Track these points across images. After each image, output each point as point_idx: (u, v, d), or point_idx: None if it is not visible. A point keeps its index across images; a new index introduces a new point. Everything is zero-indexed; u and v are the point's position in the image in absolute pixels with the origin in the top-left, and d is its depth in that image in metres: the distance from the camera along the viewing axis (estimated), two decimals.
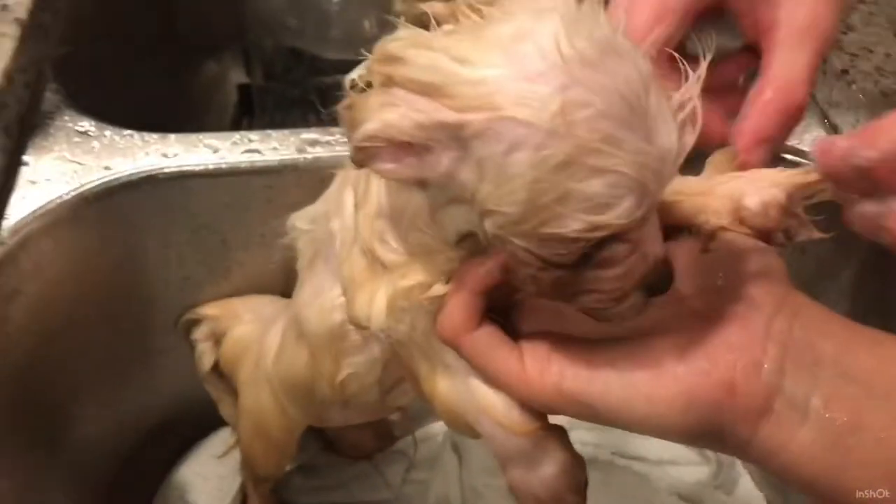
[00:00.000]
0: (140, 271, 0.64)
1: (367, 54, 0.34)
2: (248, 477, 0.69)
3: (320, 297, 0.47)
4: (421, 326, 0.39)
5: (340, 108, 0.34)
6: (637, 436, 0.75)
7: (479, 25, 0.32)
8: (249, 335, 0.64)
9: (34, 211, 0.56)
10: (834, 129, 0.64)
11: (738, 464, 0.77)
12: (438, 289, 0.37)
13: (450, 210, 0.35)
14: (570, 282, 0.33)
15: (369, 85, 0.33)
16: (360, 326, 0.40)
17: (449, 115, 0.30)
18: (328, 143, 0.62)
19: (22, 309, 0.56)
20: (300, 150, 0.62)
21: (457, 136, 0.31)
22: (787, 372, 0.33)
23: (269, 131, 0.62)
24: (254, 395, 0.61)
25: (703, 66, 0.33)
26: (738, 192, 0.39)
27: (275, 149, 0.61)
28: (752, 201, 0.38)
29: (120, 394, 0.69)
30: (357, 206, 0.41)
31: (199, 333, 0.68)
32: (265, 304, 0.66)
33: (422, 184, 0.34)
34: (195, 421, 0.73)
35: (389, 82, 0.32)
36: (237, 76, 1.06)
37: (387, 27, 0.36)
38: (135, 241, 0.63)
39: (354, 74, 0.34)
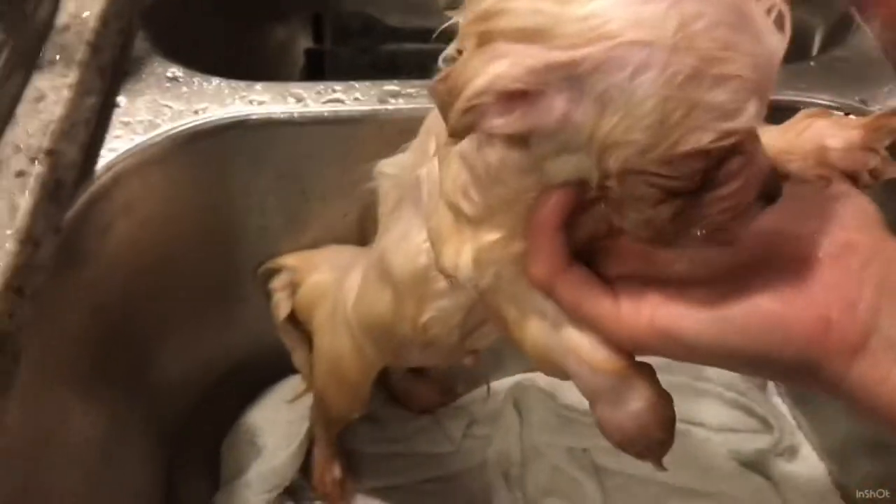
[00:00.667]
0: (223, 217, 0.66)
1: (452, 17, 0.34)
2: (319, 420, 0.71)
3: (406, 241, 0.48)
4: (507, 274, 0.39)
5: (434, 84, 0.33)
6: (699, 401, 0.77)
7: None
8: (326, 282, 0.65)
9: (127, 150, 0.58)
10: None
11: (799, 433, 0.77)
12: (521, 244, 0.38)
13: (557, 161, 0.35)
14: (688, 210, 0.33)
15: (460, 53, 0.33)
16: (448, 276, 0.41)
17: (563, 55, 0.30)
18: (409, 94, 0.63)
19: (113, 244, 0.59)
20: (382, 101, 0.63)
21: (571, 76, 0.31)
22: (883, 312, 0.33)
23: (353, 82, 0.63)
24: (330, 338, 0.62)
25: None
26: (821, 134, 0.39)
27: (357, 99, 0.63)
28: (835, 141, 0.39)
29: (198, 335, 0.71)
30: (441, 158, 0.41)
31: (277, 283, 0.69)
32: (342, 254, 0.67)
33: (523, 140, 0.34)
34: (266, 367, 0.75)
35: (489, 38, 0.31)
36: (305, 41, 1.08)
37: None
38: (219, 186, 0.64)
39: (449, 50, 0.34)
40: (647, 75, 0.30)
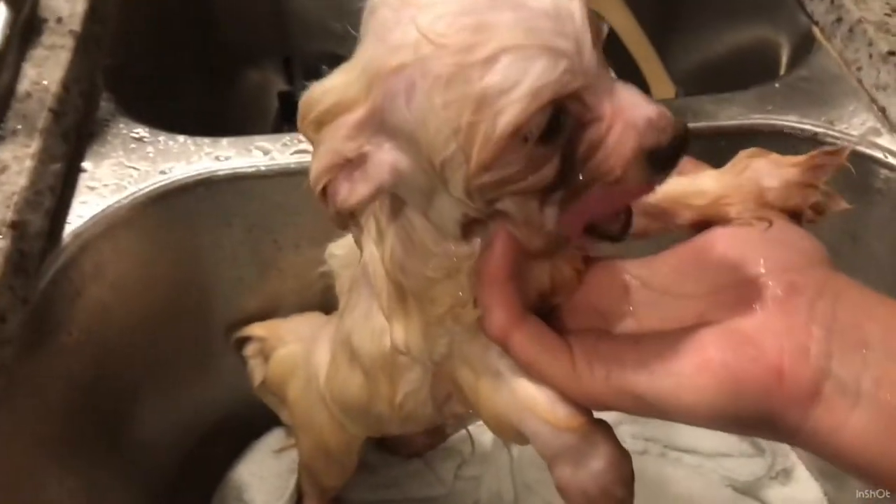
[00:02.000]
0: (195, 272, 0.66)
1: None
2: (309, 481, 0.70)
3: (370, 321, 0.47)
4: (459, 340, 0.39)
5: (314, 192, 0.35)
6: (688, 428, 0.76)
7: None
8: (294, 355, 0.65)
9: (94, 215, 0.58)
10: (882, 111, 0.63)
11: (793, 454, 0.76)
12: (470, 312, 0.37)
13: (434, 205, 0.35)
14: (573, 196, 0.33)
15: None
16: (402, 353, 0.41)
17: (357, 113, 0.32)
18: None
19: (84, 310, 0.58)
20: None
21: (375, 128, 0.32)
22: (835, 355, 0.32)
23: None
24: (309, 413, 0.61)
25: None
26: (758, 174, 0.39)
27: None
28: (772, 181, 0.38)
29: (177, 394, 0.70)
30: (377, 241, 0.40)
31: (249, 350, 0.70)
32: (306, 324, 0.67)
33: (397, 201, 0.35)
34: (250, 421, 0.74)
35: (316, 129, 0.33)
36: (278, 84, 1.08)
37: None
38: (190, 242, 0.64)
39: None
40: (417, 94, 0.30)
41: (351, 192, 0.33)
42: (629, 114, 0.31)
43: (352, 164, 0.33)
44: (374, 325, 0.46)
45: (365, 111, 0.32)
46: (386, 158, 0.33)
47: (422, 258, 0.37)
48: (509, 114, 0.29)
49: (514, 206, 0.34)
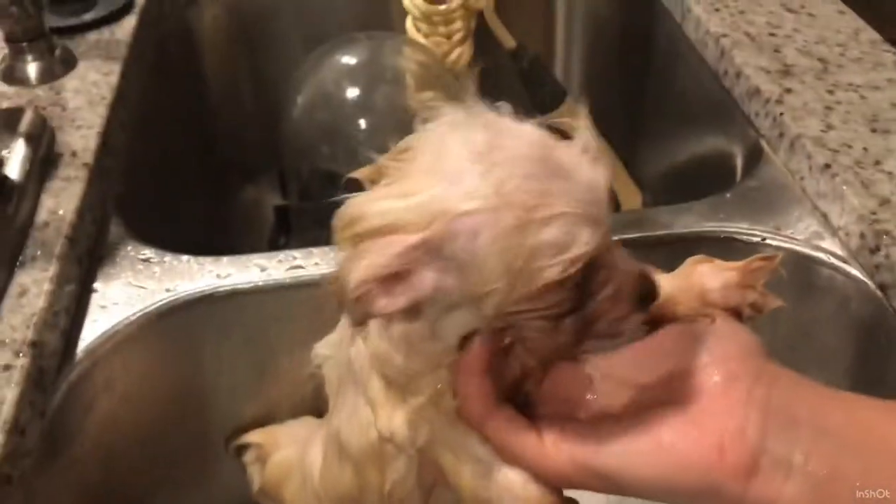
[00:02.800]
0: (196, 382, 0.70)
1: None
2: None
3: (356, 417, 0.51)
4: (440, 426, 0.44)
5: (328, 289, 0.39)
6: None
7: (404, 166, 0.40)
8: (289, 458, 0.68)
9: (104, 332, 0.63)
10: (824, 217, 0.69)
11: None
12: (449, 401, 0.43)
13: (448, 318, 0.40)
14: (581, 325, 0.39)
15: None
16: (387, 441, 0.45)
17: (415, 237, 0.37)
18: None
19: (95, 423, 0.62)
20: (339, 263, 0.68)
21: (429, 251, 0.37)
22: (770, 433, 0.38)
23: (311, 249, 0.69)
24: None
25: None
26: (702, 277, 0.45)
27: (316, 264, 0.68)
28: (714, 282, 0.45)
29: (182, 500, 0.74)
30: (363, 338, 0.45)
31: (248, 457, 0.73)
32: (301, 428, 0.70)
33: (416, 310, 0.40)
34: None
35: (359, 240, 0.38)
36: (273, 198, 1.15)
37: None
38: (191, 354, 0.69)
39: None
40: (483, 236, 0.36)
41: (392, 301, 0.37)
42: (625, 266, 0.40)
43: (396, 277, 0.37)
44: (360, 419, 0.50)
45: (423, 237, 0.36)
46: (430, 277, 0.37)
47: (407, 356, 0.42)
48: (556, 270, 0.36)
49: (530, 326, 0.40)
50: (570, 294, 0.38)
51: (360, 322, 0.40)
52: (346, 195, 0.40)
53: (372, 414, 0.46)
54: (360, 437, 0.51)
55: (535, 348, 0.41)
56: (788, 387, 0.40)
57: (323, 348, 0.55)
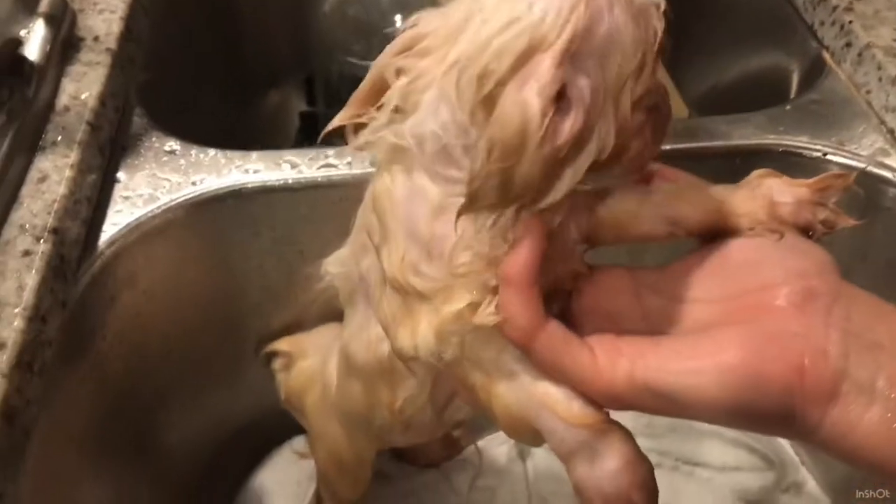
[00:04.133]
0: (223, 282, 0.68)
1: None
2: (330, 497, 0.71)
3: (366, 332, 0.48)
4: (471, 341, 0.39)
5: (471, 188, 0.35)
6: (700, 442, 0.78)
7: (447, 30, 0.37)
8: (312, 367, 0.65)
9: (128, 224, 0.60)
10: (891, 133, 0.65)
11: (804, 468, 0.77)
12: (483, 315, 0.38)
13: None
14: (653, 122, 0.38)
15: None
16: (407, 358, 0.41)
17: (560, 41, 0.33)
18: None
19: (118, 317, 0.60)
20: (372, 164, 0.64)
21: (576, 53, 0.34)
22: (851, 356, 0.34)
23: (344, 147, 0.65)
24: (323, 424, 0.63)
25: None
26: (771, 191, 0.41)
27: (349, 163, 0.65)
28: (784, 198, 0.40)
29: (203, 400, 0.72)
30: (378, 247, 0.41)
31: (277, 364, 0.71)
32: (327, 335, 0.67)
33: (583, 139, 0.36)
34: (272, 427, 0.76)
35: (498, 87, 0.34)
36: (299, 104, 1.11)
37: None
38: (219, 253, 0.66)
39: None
40: (616, 10, 0.35)
41: (574, 120, 0.34)
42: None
43: (560, 97, 0.34)
44: (370, 335, 0.47)
45: (563, 42, 0.33)
46: (586, 83, 0.35)
47: (454, 253, 0.38)
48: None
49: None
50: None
51: (557, 158, 0.35)
52: None
53: (385, 331, 0.42)
54: (366, 352, 0.48)
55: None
56: (868, 308, 0.36)
57: (331, 265, 0.51)
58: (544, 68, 0.33)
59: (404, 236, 0.39)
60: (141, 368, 0.64)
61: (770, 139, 0.66)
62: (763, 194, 0.41)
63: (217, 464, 0.74)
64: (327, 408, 0.61)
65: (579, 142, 0.35)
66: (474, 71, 0.35)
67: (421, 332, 0.39)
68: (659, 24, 0.36)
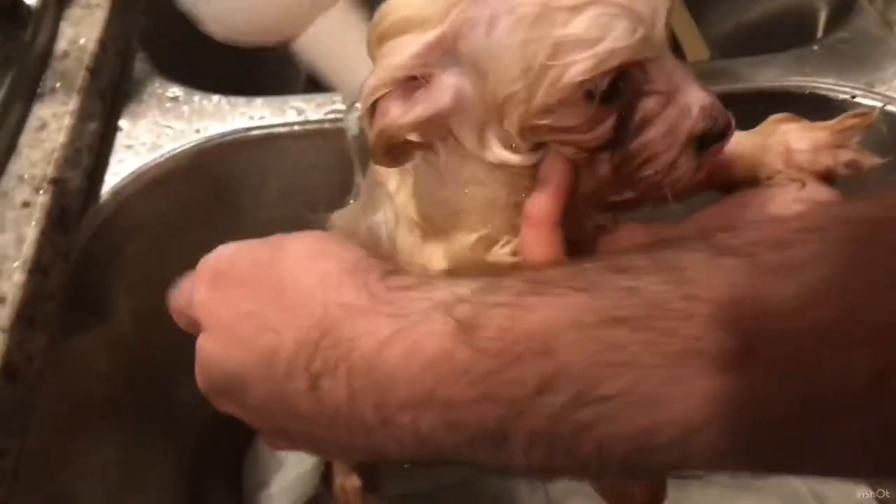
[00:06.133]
0: (230, 232, 0.66)
1: None
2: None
3: None
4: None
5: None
6: None
7: None
8: None
9: (131, 173, 0.59)
10: None
11: None
12: (499, 254, 0.37)
13: (485, 141, 0.35)
14: (622, 162, 0.33)
15: None
16: None
17: (433, 33, 0.32)
18: None
19: (124, 269, 0.59)
20: None
21: (447, 51, 0.32)
22: None
23: None
24: None
25: None
26: (787, 137, 0.39)
27: (358, 108, 0.62)
28: (801, 143, 0.38)
29: None
30: (395, 193, 0.41)
31: None
32: None
33: (442, 130, 0.35)
34: None
35: (384, 40, 0.33)
36: None
37: None
38: (225, 202, 0.64)
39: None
40: (499, 26, 0.31)
41: (407, 111, 0.33)
42: (686, 97, 0.32)
43: (414, 82, 0.33)
44: None
45: (439, 32, 0.32)
46: (450, 83, 0.33)
47: (464, 185, 0.37)
48: (581, 67, 0.30)
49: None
50: (605, 120, 0.32)
51: (381, 152, 0.35)
52: None
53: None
54: None
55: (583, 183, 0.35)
56: None
57: (340, 219, 0.51)
58: (405, 49, 0.32)
59: (423, 173, 0.39)
60: (147, 322, 0.62)
61: (796, 81, 0.63)
62: (779, 141, 0.39)
63: (227, 422, 0.73)
64: None
65: (423, 134, 0.35)
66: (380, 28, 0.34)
67: (434, 261, 0.39)
68: (580, 66, 0.30)
